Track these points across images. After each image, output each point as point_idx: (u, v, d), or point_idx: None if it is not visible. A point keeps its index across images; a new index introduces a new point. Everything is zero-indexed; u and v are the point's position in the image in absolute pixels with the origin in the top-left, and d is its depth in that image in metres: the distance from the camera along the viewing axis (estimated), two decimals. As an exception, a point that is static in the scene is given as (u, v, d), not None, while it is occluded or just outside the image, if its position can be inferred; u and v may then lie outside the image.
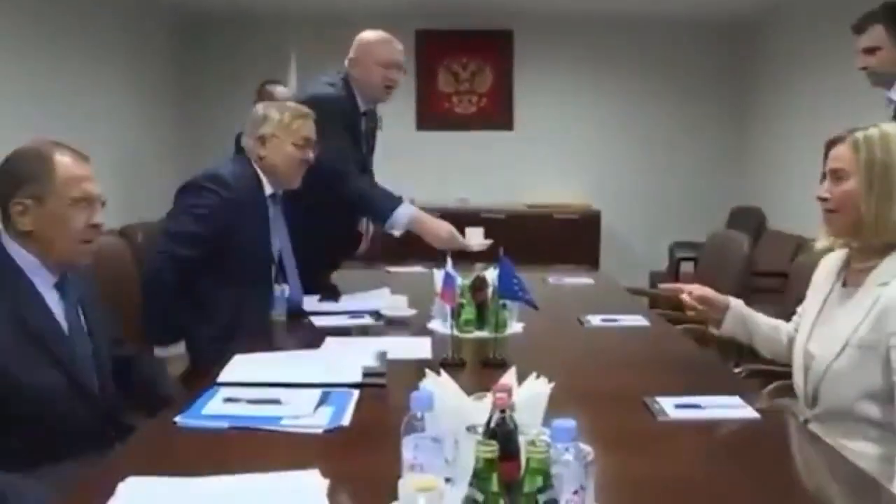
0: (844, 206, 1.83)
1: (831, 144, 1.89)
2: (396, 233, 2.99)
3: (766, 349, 2.22)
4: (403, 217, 2.95)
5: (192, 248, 2.56)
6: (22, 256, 1.81)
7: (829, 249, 2.00)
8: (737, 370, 2.39)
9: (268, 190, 2.72)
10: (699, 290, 2.23)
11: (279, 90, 5.03)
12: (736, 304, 2.22)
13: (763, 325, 2.21)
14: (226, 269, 2.60)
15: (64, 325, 1.86)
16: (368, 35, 3.16)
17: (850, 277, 1.92)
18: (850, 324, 1.81)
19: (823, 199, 1.87)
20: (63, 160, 1.81)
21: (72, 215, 1.81)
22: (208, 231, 2.56)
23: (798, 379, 1.98)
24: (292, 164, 2.71)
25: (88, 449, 1.75)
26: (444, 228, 2.94)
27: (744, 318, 2.21)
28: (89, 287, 2.02)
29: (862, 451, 1.73)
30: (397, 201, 2.98)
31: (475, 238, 2.91)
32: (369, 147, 3.31)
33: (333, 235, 3.15)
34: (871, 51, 2.88)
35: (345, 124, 3.05)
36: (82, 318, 1.94)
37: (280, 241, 2.78)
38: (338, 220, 3.15)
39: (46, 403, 1.77)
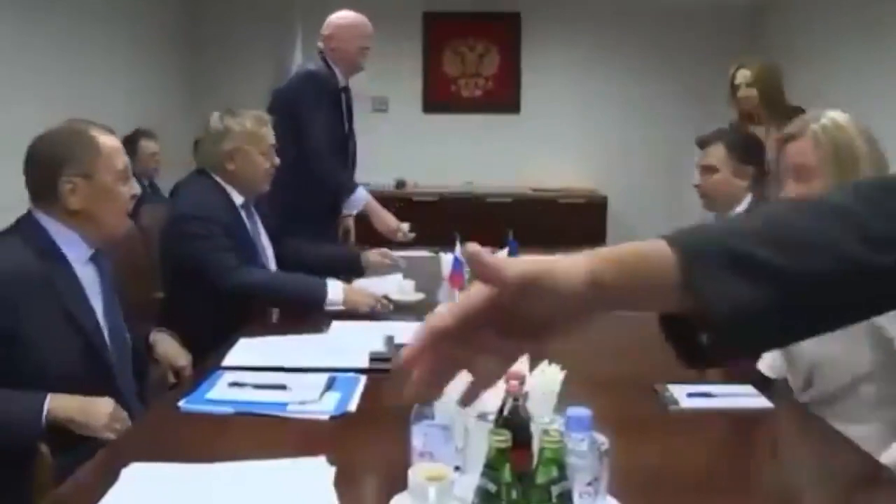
0: None
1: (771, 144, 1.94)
2: (353, 211, 3.46)
3: None
4: (361, 200, 3.35)
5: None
6: (57, 230, 1.81)
7: None
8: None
9: (237, 200, 2.65)
10: None
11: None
12: None
13: None
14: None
15: (98, 301, 1.86)
16: (338, 13, 3.53)
17: None
18: None
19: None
20: (102, 137, 1.86)
21: (119, 188, 1.87)
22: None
23: (779, 366, 1.95)
24: (263, 173, 2.67)
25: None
26: (394, 221, 3.35)
27: None
28: (110, 265, 2.01)
29: (858, 433, 1.70)
30: (356, 185, 3.39)
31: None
32: (350, 126, 3.56)
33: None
34: (708, 169, 2.69)
35: (331, 100, 3.38)
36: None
37: (262, 241, 2.75)
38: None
39: (69, 379, 1.71)
